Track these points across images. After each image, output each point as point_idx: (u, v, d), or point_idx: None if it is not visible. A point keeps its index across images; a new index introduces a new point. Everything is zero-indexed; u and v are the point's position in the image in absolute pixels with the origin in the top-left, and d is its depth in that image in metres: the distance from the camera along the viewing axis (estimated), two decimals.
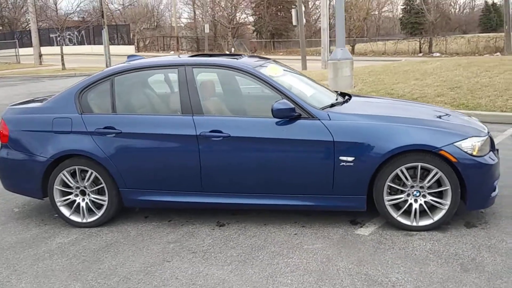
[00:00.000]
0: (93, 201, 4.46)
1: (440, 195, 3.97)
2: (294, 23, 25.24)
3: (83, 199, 4.48)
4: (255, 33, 52.18)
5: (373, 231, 4.08)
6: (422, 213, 4.01)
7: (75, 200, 4.49)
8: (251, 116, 4.30)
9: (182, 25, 58.54)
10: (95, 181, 4.43)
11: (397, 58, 33.16)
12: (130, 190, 4.35)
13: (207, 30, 47.03)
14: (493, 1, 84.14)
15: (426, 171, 3.93)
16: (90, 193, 4.45)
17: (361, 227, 4.18)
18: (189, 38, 54.76)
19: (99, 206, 4.47)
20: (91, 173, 4.36)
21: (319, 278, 3.36)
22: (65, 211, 4.50)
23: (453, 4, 60.50)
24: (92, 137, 4.32)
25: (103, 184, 4.37)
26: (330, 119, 4.02)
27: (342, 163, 3.96)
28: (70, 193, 4.49)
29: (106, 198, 4.40)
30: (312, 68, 21.56)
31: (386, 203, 4.00)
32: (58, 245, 4.13)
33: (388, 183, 3.96)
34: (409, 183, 3.95)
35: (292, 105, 3.98)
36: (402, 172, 3.93)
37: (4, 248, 4.12)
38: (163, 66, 4.63)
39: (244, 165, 4.13)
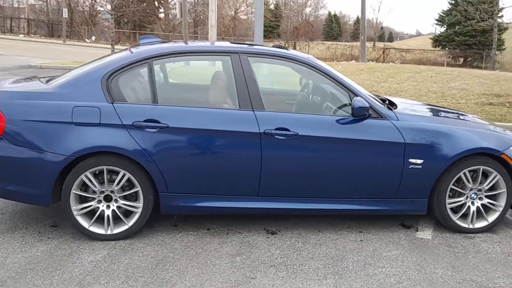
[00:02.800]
0: (121, 208, 3.70)
1: (493, 197, 4.07)
2: (178, 16, 24.57)
3: (108, 206, 3.69)
4: (115, 22, 49.52)
5: (433, 234, 4.04)
6: (477, 215, 4.07)
7: (97, 208, 3.67)
8: (315, 114, 3.95)
9: (25, 6, 52.71)
10: (127, 185, 3.67)
11: None
12: (172, 195, 3.70)
13: (65, 15, 43.26)
14: (335, 13, 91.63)
15: (484, 174, 4.00)
16: (118, 199, 3.68)
17: (417, 230, 4.11)
18: (41, 21, 49.80)
19: (127, 215, 3.72)
20: (123, 174, 3.60)
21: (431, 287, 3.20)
22: (83, 221, 3.66)
23: (300, 13, 64.24)
24: (128, 132, 3.57)
25: (138, 188, 3.64)
26: (398, 120, 3.88)
27: (411, 166, 3.84)
28: (91, 199, 3.66)
29: (140, 204, 3.67)
30: None
31: (447, 206, 3.98)
32: (93, 264, 3.34)
33: (451, 186, 3.95)
34: (470, 186, 3.98)
35: (367, 104, 3.74)
36: (465, 175, 3.95)
37: (19, 271, 3.20)
38: (213, 52, 4.02)
39: (310, 167, 3.77)
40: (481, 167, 3.95)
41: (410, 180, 3.88)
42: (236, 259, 3.49)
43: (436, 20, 37.77)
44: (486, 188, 4.02)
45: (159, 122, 3.59)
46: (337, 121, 3.79)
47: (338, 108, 3.94)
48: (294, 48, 38.72)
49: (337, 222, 4.19)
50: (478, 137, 3.97)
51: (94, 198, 3.66)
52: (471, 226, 4.06)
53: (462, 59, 36.59)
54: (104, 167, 3.59)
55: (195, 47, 4.03)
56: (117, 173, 3.62)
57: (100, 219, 3.68)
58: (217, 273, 3.27)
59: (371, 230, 4.07)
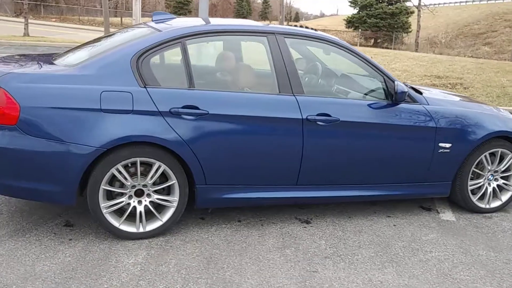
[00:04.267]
0: (155, 203, 3.37)
1: (507, 178, 4.25)
2: None
3: (139, 202, 3.34)
4: None
5: (455, 216, 4.14)
6: (492, 195, 4.24)
7: (128, 204, 3.31)
8: (353, 98, 3.83)
9: None
10: (162, 177, 3.34)
11: None
12: (211, 187, 3.43)
13: None
14: None
15: (500, 157, 4.16)
16: (152, 193, 3.34)
17: (438, 212, 4.20)
18: None
19: (159, 210, 3.40)
20: (159, 166, 3.27)
21: (493, 271, 3.26)
22: (113, 220, 3.28)
23: None
24: (165, 119, 3.22)
25: (174, 181, 3.32)
26: (428, 104, 3.89)
27: (440, 150, 3.89)
28: (121, 195, 3.29)
29: (176, 198, 3.36)
30: None
31: (469, 187, 4.10)
32: (138, 267, 3.01)
33: (473, 169, 4.06)
34: (488, 168, 4.12)
35: (407, 88, 3.71)
36: (486, 158, 4.07)
37: (59, 281, 2.80)
38: (248, 32, 3.70)
39: (348, 154, 3.67)
40: (500, 150, 4.09)
41: (438, 164, 3.93)
42: (286, 252, 3.32)
43: (350, 2, 39.05)
44: (503, 169, 4.17)
45: (198, 109, 3.28)
46: (375, 106, 3.72)
47: (371, 92, 3.85)
48: None
49: (363, 207, 4.15)
50: (498, 120, 4.10)
51: (124, 194, 3.29)
52: (487, 206, 4.21)
53: (373, 40, 38.28)
54: (138, 159, 3.22)
55: (231, 26, 3.72)
56: (151, 165, 3.26)
57: (129, 216, 3.32)
58: (276, 269, 3.09)
59: (397, 214, 4.08)
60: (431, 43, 40.47)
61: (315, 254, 3.31)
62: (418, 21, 33.00)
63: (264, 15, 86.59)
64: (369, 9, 36.48)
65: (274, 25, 3.82)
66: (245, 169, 3.46)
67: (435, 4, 33.19)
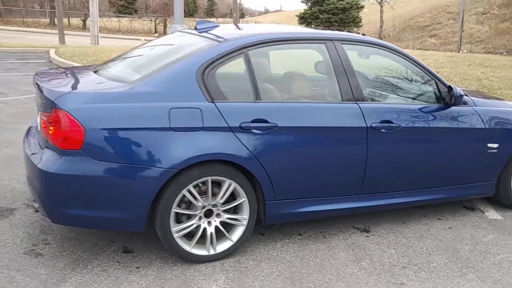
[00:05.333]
0: (224, 223, 3.21)
1: None
2: None
3: (209, 223, 3.17)
4: None
5: (500, 215, 4.20)
6: None
7: (198, 226, 3.13)
8: (408, 103, 3.79)
9: None
10: (231, 195, 3.18)
11: (137, 37, 32.76)
12: (280, 202, 3.30)
13: None
14: None
15: None
16: (221, 213, 3.18)
17: (483, 212, 4.25)
18: None
19: (228, 230, 3.24)
20: (229, 184, 3.11)
21: None
22: (184, 244, 3.09)
23: None
24: (235, 135, 3.06)
25: (244, 198, 3.17)
26: (476, 105, 3.92)
27: (489, 151, 3.93)
28: (191, 217, 3.11)
29: (246, 216, 3.21)
30: (75, 43, 19.34)
31: None
32: None
33: None
34: None
35: (462, 91, 3.71)
36: None
37: None
38: (308, 40, 3.58)
39: (409, 160, 3.64)
40: None
41: (486, 164, 3.97)
42: (362, 264, 3.25)
43: None
44: None
45: (267, 122, 3.14)
46: (429, 110, 3.70)
47: (422, 96, 3.84)
48: (165, 26, 37.31)
49: (411, 211, 4.14)
50: None
51: (194, 215, 3.10)
52: None
53: None
54: (209, 178, 3.05)
55: (291, 34, 3.58)
56: (222, 183, 3.10)
57: (203, 238, 3.14)
58: (362, 284, 3.01)
59: (446, 216, 4.10)
60: (380, 37, 41.51)
61: (392, 265, 3.25)
62: (381, 16, 33.60)
63: (210, 13, 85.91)
64: (321, 4, 36.91)
65: (330, 32, 3.72)
66: (313, 181, 3.36)
67: None
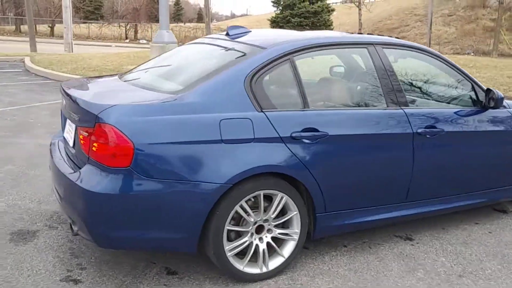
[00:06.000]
0: (275, 238, 3.05)
1: None
2: None
3: (260, 239, 3.00)
4: None
5: None
6: None
7: (250, 243, 2.96)
8: (449, 107, 3.71)
9: None
10: (282, 209, 3.03)
11: (108, 44, 32.20)
12: (330, 214, 3.16)
13: None
14: None
15: None
16: (274, 228, 3.02)
17: None
18: None
19: (279, 245, 3.08)
20: (281, 198, 2.95)
21: None
22: (236, 263, 2.92)
23: None
24: (286, 145, 2.91)
25: (296, 212, 3.02)
26: (510, 107, 3.88)
27: None
28: (242, 234, 2.94)
29: (297, 230, 3.06)
30: (47, 51, 18.82)
31: None
32: None
33: None
34: None
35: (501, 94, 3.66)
36: None
37: None
38: (351, 44, 3.45)
39: (451, 165, 3.56)
40: None
41: None
42: (418, 275, 3.14)
43: (272, 2, 39.44)
44: None
45: (317, 131, 3.00)
46: (468, 113, 3.63)
47: (458, 99, 3.77)
48: (136, 32, 36.73)
49: (448, 216, 4.05)
50: None
51: (246, 232, 2.93)
52: None
53: None
54: (261, 192, 2.88)
55: (334, 38, 3.44)
56: (274, 197, 2.94)
57: (242, 255, 2.97)
58: None
59: (483, 220, 4.05)
60: None
61: (447, 274, 3.15)
62: (359, 19, 33.84)
63: (177, 18, 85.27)
64: (292, 8, 37.04)
65: (370, 36, 3.61)
66: (362, 191, 3.23)
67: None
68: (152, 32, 36.30)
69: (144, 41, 35.72)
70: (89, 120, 2.68)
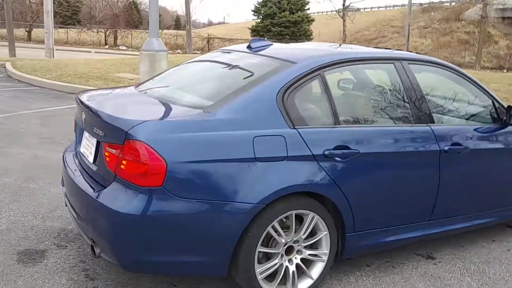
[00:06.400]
0: (304, 260, 2.95)
1: None
2: None
3: (290, 261, 2.90)
4: None
5: None
6: None
7: (280, 265, 2.85)
8: (471, 124, 3.67)
9: None
10: (312, 230, 2.93)
11: (87, 49, 31.75)
12: (359, 234, 3.07)
13: None
14: (134, 0, 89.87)
15: None
16: (303, 249, 2.91)
17: None
18: None
19: (308, 266, 2.98)
20: (312, 218, 2.85)
21: None
22: (266, 286, 2.80)
23: None
24: (319, 164, 2.82)
25: (326, 232, 2.93)
26: None
27: None
28: (272, 255, 2.83)
29: (326, 251, 2.96)
30: (26, 56, 18.39)
31: None
32: None
33: None
34: None
35: None
36: None
37: None
38: (379, 60, 3.38)
39: (474, 183, 3.53)
40: None
41: None
42: None
43: (253, 11, 39.57)
44: None
45: (349, 148, 2.92)
46: (490, 130, 3.61)
47: (477, 116, 3.75)
48: (115, 38, 36.27)
49: (462, 235, 4.01)
50: None
51: (277, 254, 2.82)
52: None
53: None
54: (293, 212, 2.78)
55: (363, 53, 3.37)
56: (305, 217, 2.84)
57: (271, 277, 2.86)
58: None
59: (498, 238, 4.02)
60: None
61: None
62: (344, 30, 34.12)
63: None
64: (272, 17, 37.20)
65: (396, 51, 3.56)
66: (390, 209, 3.17)
67: (339, 10, 34.48)
68: (132, 39, 35.92)
69: (124, 47, 35.33)
70: (118, 136, 2.54)
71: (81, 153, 3.10)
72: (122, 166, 2.52)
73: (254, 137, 2.64)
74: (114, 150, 2.56)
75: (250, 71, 3.10)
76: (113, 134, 2.58)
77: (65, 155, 3.39)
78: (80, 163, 3.12)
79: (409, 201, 3.23)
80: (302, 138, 2.77)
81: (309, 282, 2.93)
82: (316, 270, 2.95)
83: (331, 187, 2.84)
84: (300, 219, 2.85)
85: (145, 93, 3.22)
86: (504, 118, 3.66)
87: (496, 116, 3.70)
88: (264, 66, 3.06)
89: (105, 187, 2.64)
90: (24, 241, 3.50)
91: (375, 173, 3.04)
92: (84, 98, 3.10)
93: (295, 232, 2.83)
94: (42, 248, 3.40)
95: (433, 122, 3.33)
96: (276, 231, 2.74)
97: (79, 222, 2.82)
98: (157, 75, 3.70)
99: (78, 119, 3.18)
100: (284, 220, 2.78)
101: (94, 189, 2.70)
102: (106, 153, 2.63)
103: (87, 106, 2.92)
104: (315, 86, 2.97)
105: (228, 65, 3.39)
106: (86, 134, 3.05)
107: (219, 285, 3.00)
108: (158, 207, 2.47)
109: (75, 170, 3.05)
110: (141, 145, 2.45)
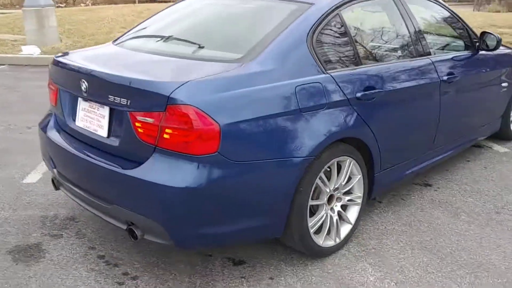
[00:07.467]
0: (344, 206, 2.91)
1: None
2: None
3: (332, 209, 2.84)
4: None
5: (508, 148, 4.58)
6: None
7: (326, 215, 2.79)
8: (456, 53, 3.77)
9: None
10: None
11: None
12: (384, 172, 3.09)
13: None
14: None
15: None
16: (342, 195, 2.87)
17: (491, 148, 4.58)
18: None
19: (346, 212, 2.95)
20: (349, 163, 2.80)
21: None
22: (317, 239, 2.73)
23: None
24: (353, 108, 2.73)
25: (360, 175, 2.90)
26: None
27: (502, 90, 4.21)
28: (318, 207, 2.74)
29: (360, 194, 2.94)
30: None
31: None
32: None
33: None
34: None
35: None
36: None
37: None
38: None
39: (463, 109, 3.73)
40: None
41: (499, 103, 4.25)
42: (463, 218, 3.25)
43: None
44: None
45: (375, 88, 2.86)
46: (470, 57, 3.79)
47: (453, 44, 3.88)
48: None
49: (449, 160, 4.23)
50: None
51: (322, 205, 2.74)
52: None
53: None
54: (335, 160, 2.69)
55: None
56: (342, 163, 2.77)
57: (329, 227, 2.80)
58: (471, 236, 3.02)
59: (468, 156, 4.31)
60: None
61: (486, 213, 3.33)
62: None
63: None
64: None
65: None
66: (407, 143, 3.25)
67: None
68: None
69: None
70: (154, 102, 2.19)
71: (79, 127, 2.66)
72: (165, 136, 2.19)
73: (296, 87, 2.45)
74: (150, 119, 2.21)
75: (264, 15, 2.85)
76: (147, 101, 2.23)
77: (47, 131, 2.89)
78: (78, 139, 2.68)
79: (420, 133, 3.31)
80: (336, 83, 2.64)
81: (348, 227, 2.90)
82: (353, 215, 2.92)
83: (364, 129, 2.79)
84: (338, 166, 2.76)
85: (148, 50, 2.79)
86: (478, 44, 3.83)
87: (470, 43, 3.85)
88: (279, 8, 2.83)
89: (138, 162, 2.30)
90: (7, 237, 3.00)
91: (395, 109, 3.04)
92: (78, 61, 2.62)
93: (340, 178, 2.75)
94: (34, 242, 2.95)
95: (429, 54, 3.37)
96: (322, 181, 2.63)
97: (104, 205, 2.45)
98: (138, 28, 3.24)
99: (69, 87, 2.69)
100: (328, 169, 2.67)
101: (121, 166, 2.34)
102: (137, 123, 2.27)
103: (93, 71, 2.47)
104: (336, 26, 2.81)
105: (231, 8, 3.08)
106: (84, 104, 2.61)
107: (251, 246, 2.85)
108: (216, 176, 2.21)
109: (79, 148, 2.62)
110: (189, 108, 2.14)
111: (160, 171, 2.21)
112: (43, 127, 2.95)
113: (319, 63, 2.60)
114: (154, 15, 3.37)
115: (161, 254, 2.80)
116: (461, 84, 3.57)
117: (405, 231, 3.06)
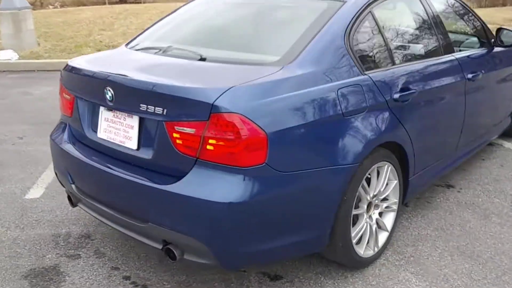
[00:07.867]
0: (380, 213, 2.79)
1: None
2: None
3: (370, 218, 2.71)
4: None
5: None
6: None
7: (366, 224, 2.66)
8: (477, 50, 3.70)
9: None
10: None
11: None
12: (417, 176, 2.97)
13: None
14: None
15: None
16: (380, 202, 2.74)
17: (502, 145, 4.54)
18: None
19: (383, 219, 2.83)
20: (387, 168, 2.68)
21: None
22: (358, 249, 2.60)
23: None
24: (391, 110, 2.61)
25: (396, 180, 2.78)
26: None
27: None
28: (358, 217, 2.61)
29: (395, 200, 2.82)
30: None
31: None
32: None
33: None
34: None
35: None
36: None
37: None
38: None
39: (485, 106, 3.67)
40: None
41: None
42: (493, 220, 3.17)
43: None
44: None
45: (410, 89, 2.74)
46: (490, 54, 3.73)
47: (470, 41, 3.82)
48: None
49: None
50: None
51: (362, 213, 2.60)
52: None
53: None
54: (375, 166, 2.57)
55: None
56: (381, 169, 2.64)
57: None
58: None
59: (483, 155, 4.26)
60: None
61: (501, 211, 3.25)
62: None
63: None
64: None
65: None
66: (437, 145, 3.15)
67: None
68: None
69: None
70: (196, 110, 2.02)
71: (101, 139, 2.45)
72: (209, 147, 2.02)
73: (338, 90, 2.31)
74: (191, 129, 2.04)
75: (294, 14, 2.70)
76: (187, 109, 2.05)
77: (62, 143, 2.67)
78: (101, 152, 2.48)
79: (448, 134, 3.24)
80: (375, 84, 2.51)
81: (385, 235, 2.78)
82: (389, 221, 2.81)
83: (402, 133, 2.67)
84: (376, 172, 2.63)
85: (175, 55, 2.60)
86: (493, 40, 3.77)
87: (486, 40, 3.79)
88: (309, 7, 2.69)
89: (176, 176, 2.12)
90: (19, 260, 2.77)
91: (427, 111, 2.95)
92: (100, 67, 2.42)
93: (379, 184, 2.63)
94: (50, 264, 2.73)
95: (453, 51, 3.28)
96: (364, 189, 2.50)
97: (137, 224, 2.26)
98: (154, 30, 3.04)
99: (89, 95, 2.48)
100: (369, 176, 2.54)
101: (157, 181, 2.16)
102: (175, 134, 2.09)
103: (121, 77, 2.27)
104: (369, 24, 2.69)
105: (261, 7, 2.92)
106: (107, 114, 2.41)
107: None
108: (263, 188, 2.06)
109: (103, 161, 2.41)
110: (235, 117, 1.97)
111: (203, 186, 2.04)
112: (57, 139, 2.72)
113: (358, 63, 2.47)
114: (168, 15, 3.17)
115: (190, 272, 2.63)
116: (482, 82, 3.50)
117: (439, 236, 2.96)
